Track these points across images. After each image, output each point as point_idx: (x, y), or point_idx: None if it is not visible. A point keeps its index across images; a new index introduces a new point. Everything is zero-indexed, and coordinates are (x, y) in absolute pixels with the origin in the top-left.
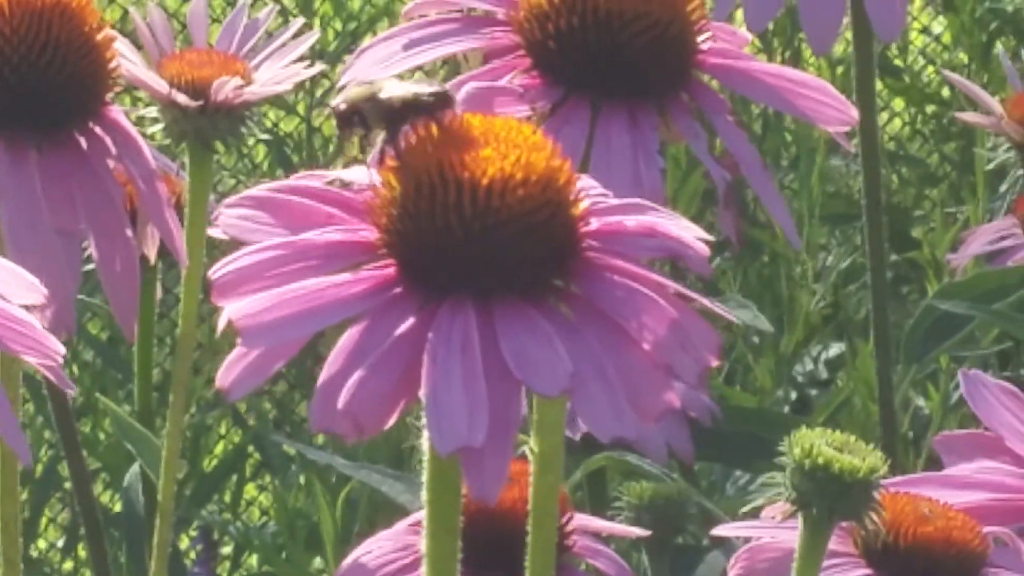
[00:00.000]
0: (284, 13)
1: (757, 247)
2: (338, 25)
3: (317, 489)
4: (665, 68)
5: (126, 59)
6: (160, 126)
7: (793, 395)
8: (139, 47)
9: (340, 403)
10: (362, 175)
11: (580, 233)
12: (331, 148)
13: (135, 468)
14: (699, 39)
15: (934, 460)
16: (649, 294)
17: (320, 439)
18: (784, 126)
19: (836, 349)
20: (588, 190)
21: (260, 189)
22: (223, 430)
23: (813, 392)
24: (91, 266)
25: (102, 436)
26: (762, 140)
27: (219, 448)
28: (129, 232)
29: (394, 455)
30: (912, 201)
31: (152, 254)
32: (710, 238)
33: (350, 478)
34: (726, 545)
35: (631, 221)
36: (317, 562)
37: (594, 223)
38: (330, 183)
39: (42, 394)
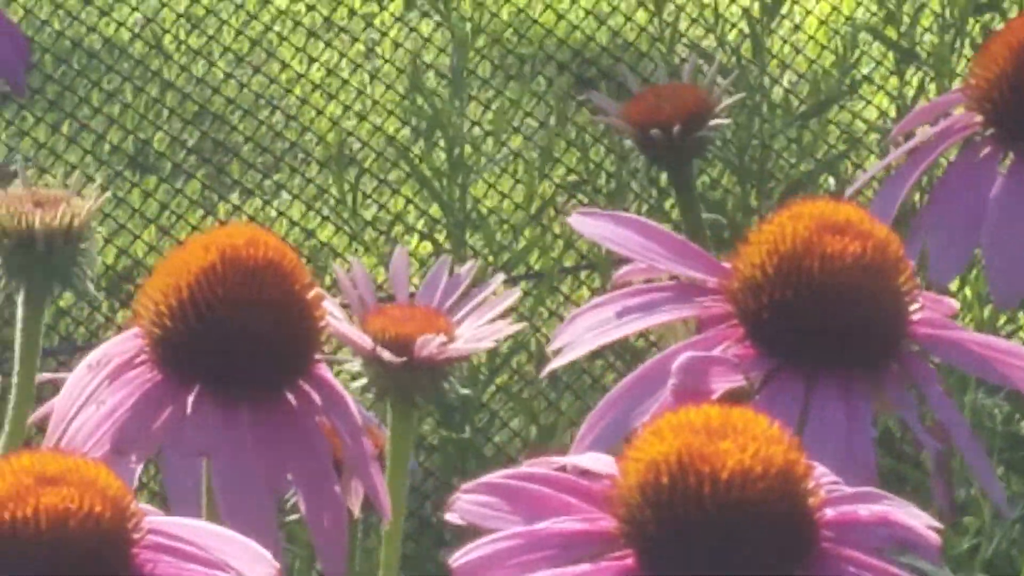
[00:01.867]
0: (438, 249)
1: (901, 478)
2: (490, 258)
3: None
4: (878, 340)
5: (332, 316)
6: (363, 381)
7: None
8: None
9: None
10: (597, 463)
11: (817, 524)
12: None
13: None
14: (910, 309)
15: None
16: None
17: None
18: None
19: None
20: (820, 478)
21: (496, 476)
22: None
23: None
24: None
25: None
26: None
27: None
28: (337, 488)
29: None
30: None
31: (356, 508)
32: (940, 526)
33: None
34: None
35: (864, 510)
36: None
37: (829, 513)
38: (561, 469)
39: None
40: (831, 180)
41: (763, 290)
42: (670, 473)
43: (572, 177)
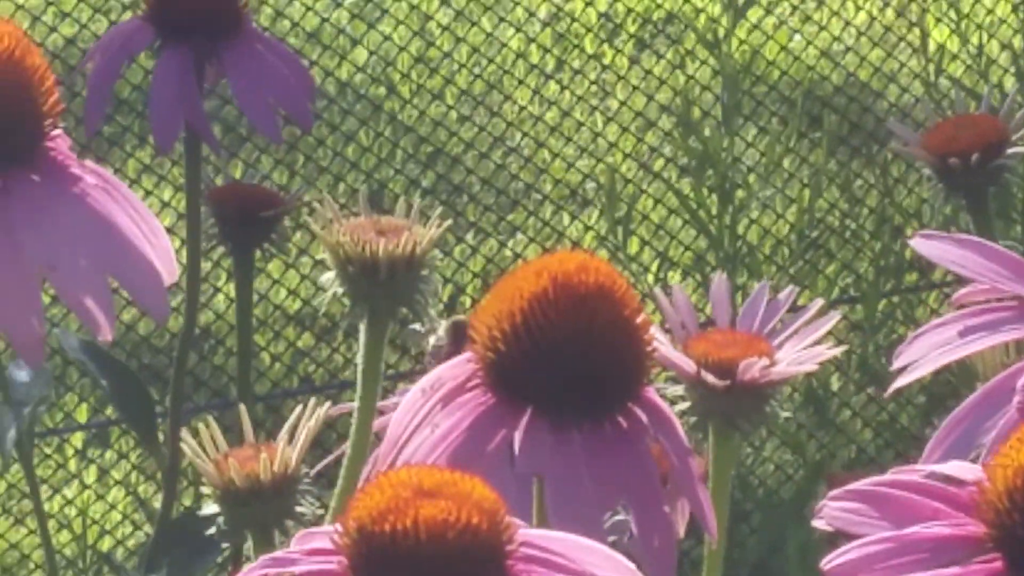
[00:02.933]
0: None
1: None
2: None
3: None
4: None
5: (657, 340)
6: (686, 404)
7: None
8: None
9: None
10: (961, 470)
11: None
12: None
13: None
14: None
15: None
16: None
17: None
18: None
19: None
20: None
21: (863, 483)
22: None
23: None
24: None
25: None
26: None
27: None
28: (666, 508)
29: None
30: None
31: (682, 529)
32: None
33: None
34: None
35: None
36: None
37: None
38: (928, 476)
39: None
40: None
41: None
42: None
43: (835, 212)
